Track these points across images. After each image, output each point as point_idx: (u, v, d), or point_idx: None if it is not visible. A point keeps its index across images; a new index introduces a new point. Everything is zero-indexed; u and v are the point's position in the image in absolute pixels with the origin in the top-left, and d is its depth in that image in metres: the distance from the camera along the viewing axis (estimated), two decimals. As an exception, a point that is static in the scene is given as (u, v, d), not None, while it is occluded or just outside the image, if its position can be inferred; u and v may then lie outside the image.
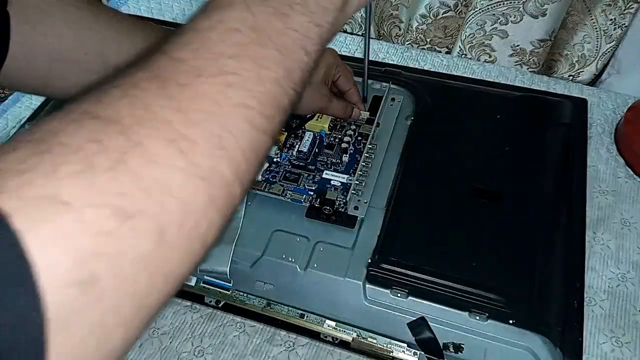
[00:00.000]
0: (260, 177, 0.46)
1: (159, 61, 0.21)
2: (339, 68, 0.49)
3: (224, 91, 0.20)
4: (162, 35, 0.40)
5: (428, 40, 0.65)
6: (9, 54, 0.34)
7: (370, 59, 0.48)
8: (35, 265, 0.14)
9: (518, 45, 0.59)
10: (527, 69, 0.61)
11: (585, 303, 0.40)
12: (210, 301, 0.43)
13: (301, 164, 0.48)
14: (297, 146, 0.48)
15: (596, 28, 0.58)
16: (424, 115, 0.51)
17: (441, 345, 0.39)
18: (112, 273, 0.16)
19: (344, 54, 0.61)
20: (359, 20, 0.66)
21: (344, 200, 0.44)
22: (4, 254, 0.14)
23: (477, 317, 0.38)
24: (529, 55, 0.60)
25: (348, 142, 0.49)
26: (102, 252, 0.16)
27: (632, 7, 0.54)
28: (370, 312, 0.41)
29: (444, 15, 0.62)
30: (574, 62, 0.61)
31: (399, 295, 0.40)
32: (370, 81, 0.52)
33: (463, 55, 0.63)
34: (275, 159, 0.48)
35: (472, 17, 0.59)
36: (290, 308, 0.42)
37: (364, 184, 0.46)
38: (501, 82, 0.57)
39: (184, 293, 0.44)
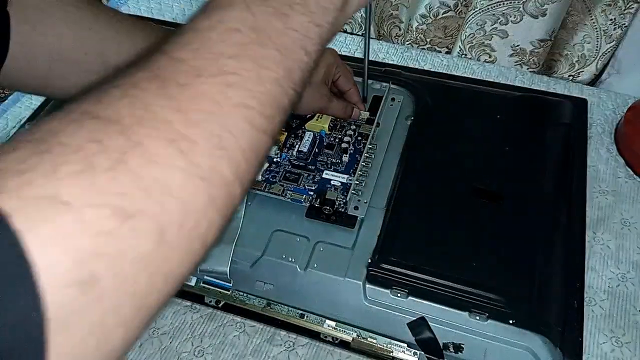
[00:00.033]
0: (260, 177, 0.46)
1: (159, 61, 0.21)
2: (339, 68, 0.49)
3: (224, 91, 0.20)
4: (162, 35, 0.40)
5: (428, 40, 0.65)
6: (9, 54, 0.34)
7: (370, 59, 0.48)
8: (36, 265, 0.14)
9: (518, 45, 0.59)
10: (527, 69, 0.61)
11: (585, 303, 0.40)
12: (210, 301, 0.43)
13: (301, 164, 0.48)
14: (297, 146, 0.48)
15: (596, 28, 0.58)
16: (424, 115, 0.51)
17: (441, 345, 0.39)
18: (112, 273, 0.16)
19: (344, 54, 0.61)
20: (359, 20, 0.66)
21: (344, 200, 0.44)
22: (4, 254, 0.14)
23: (477, 317, 0.38)
24: (529, 55, 0.60)
25: (348, 142, 0.49)
26: (102, 252, 0.16)
27: (632, 7, 0.54)
28: (370, 312, 0.41)
29: (444, 15, 0.62)
30: (574, 62, 0.61)
31: (399, 295, 0.40)
32: (370, 81, 0.52)
33: (463, 55, 0.63)
34: (275, 159, 0.48)
35: (472, 17, 0.59)
36: (290, 308, 0.42)
37: (364, 184, 0.46)
38: (501, 82, 0.57)
39: (184, 293, 0.44)
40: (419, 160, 0.48)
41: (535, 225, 0.43)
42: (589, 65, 0.60)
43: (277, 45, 0.22)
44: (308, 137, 0.49)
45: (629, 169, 0.50)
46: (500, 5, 0.57)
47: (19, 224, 0.14)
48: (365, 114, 0.51)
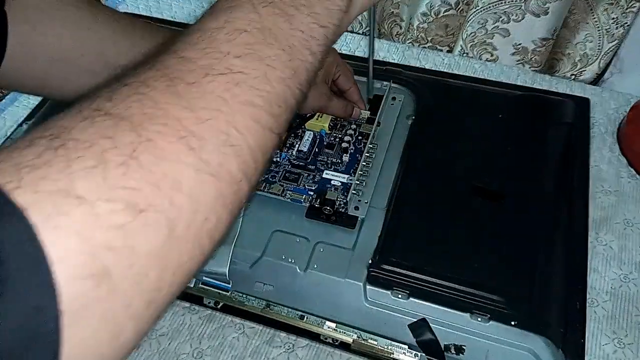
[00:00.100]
0: (260, 176, 0.46)
1: (168, 60, 0.21)
2: (339, 67, 0.48)
3: (231, 89, 0.21)
4: (162, 35, 0.40)
5: (429, 38, 0.65)
6: (9, 54, 0.34)
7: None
8: (50, 258, 0.15)
9: (520, 44, 0.59)
10: (529, 67, 0.61)
11: (587, 304, 0.40)
12: (209, 302, 0.43)
13: (301, 163, 0.47)
14: (297, 146, 0.48)
15: (598, 27, 0.57)
16: (425, 114, 0.51)
17: (442, 346, 0.39)
18: (124, 266, 0.17)
19: (344, 52, 0.61)
20: (359, 18, 0.66)
21: (345, 201, 0.44)
22: (20, 246, 0.15)
23: (479, 319, 0.38)
24: (530, 54, 0.59)
25: (348, 142, 0.48)
26: (115, 246, 0.16)
27: (635, 6, 0.54)
28: (370, 313, 0.40)
29: (445, 13, 0.62)
30: (576, 61, 0.61)
31: (399, 296, 0.39)
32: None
33: (464, 54, 0.62)
34: (275, 159, 0.48)
35: (474, 16, 0.58)
36: (290, 309, 0.41)
37: (364, 184, 0.45)
38: (503, 81, 0.57)
39: (183, 294, 0.43)
40: (420, 159, 0.47)
41: (538, 226, 0.43)
42: (591, 64, 0.60)
43: (283, 46, 0.23)
44: (308, 136, 0.48)
45: (632, 169, 0.50)
46: (502, 3, 0.56)
47: (35, 218, 0.15)
48: (366, 114, 0.51)
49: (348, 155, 0.47)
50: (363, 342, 0.40)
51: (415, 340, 0.39)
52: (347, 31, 0.67)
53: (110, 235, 0.16)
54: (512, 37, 0.59)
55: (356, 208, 0.44)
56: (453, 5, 0.61)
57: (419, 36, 0.65)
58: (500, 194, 0.44)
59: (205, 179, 0.19)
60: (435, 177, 0.46)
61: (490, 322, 0.38)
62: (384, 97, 0.51)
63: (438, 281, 0.39)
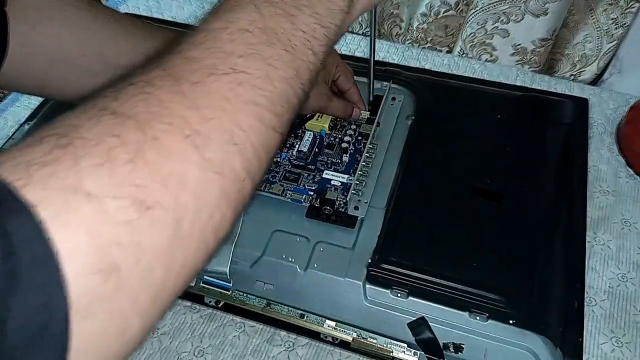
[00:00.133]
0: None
1: (173, 60, 0.21)
2: (339, 67, 0.49)
3: (234, 89, 0.21)
4: (163, 36, 0.40)
5: (429, 39, 0.65)
6: (8, 54, 0.34)
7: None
8: (59, 253, 0.15)
9: (519, 45, 0.59)
10: (529, 68, 0.61)
11: (585, 303, 0.40)
12: (210, 301, 0.43)
13: (301, 163, 0.47)
14: (297, 146, 0.48)
15: (598, 27, 0.57)
16: (424, 114, 0.51)
17: (441, 345, 0.39)
18: (131, 262, 0.17)
19: (344, 52, 0.61)
20: (359, 19, 0.66)
21: (344, 200, 0.44)
22: (29, 242, 0.15)
23: (478, 317, 0.38)
24: (530, 55, 0.60)
25: (348, 142, 0.48)
26: (123, 242, 0.17)
27: (634, 7, 0.54)
28: (370, 312, 0.41)
29: (444, 14, 0.62)
30: (575, 61, 0.61)
31: (399, 295, 0.40)
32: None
33: (464, 55, 0.62)
34: (275, 159, 0.48)
35: (473, 16, 0.59)
36: (290, 308, 0.42)
37: (364, 184, 0.45)
38: (502, 81, 0.57)
39: (184, 293, 0.43)
40: (420, 159, 0.48)
41: (536, 225, 0.43)
42: (590, 64, 0.60)
43: (285, 46, 0.23)
44: (308, 136, 0.49)
45: (630, 169, 0.50)
46: (501, 4, 0.57)
47: (44, 214, 0.15)
48: (366, 114, 0.51)
49: (348, 155, 0.48)
50: (363, 340, 0.40)
51: (414, 338, 0.39)
52: (347, 32, 0.67)
53: (118, 231, 0.16)
54: (511, 37, 0.59)
55: (356, 208, 0.44)
56: (452, 6, 0.61)
57: (419, 37, 0.65)
58: (499, 194, 0.45)
59: (209, 177, 0.19)
60: (435, 177, 0.46)
61: (489, 321, 0.38)
62: (384, 97, 0.51)
63: (437, 280, 0.40)
